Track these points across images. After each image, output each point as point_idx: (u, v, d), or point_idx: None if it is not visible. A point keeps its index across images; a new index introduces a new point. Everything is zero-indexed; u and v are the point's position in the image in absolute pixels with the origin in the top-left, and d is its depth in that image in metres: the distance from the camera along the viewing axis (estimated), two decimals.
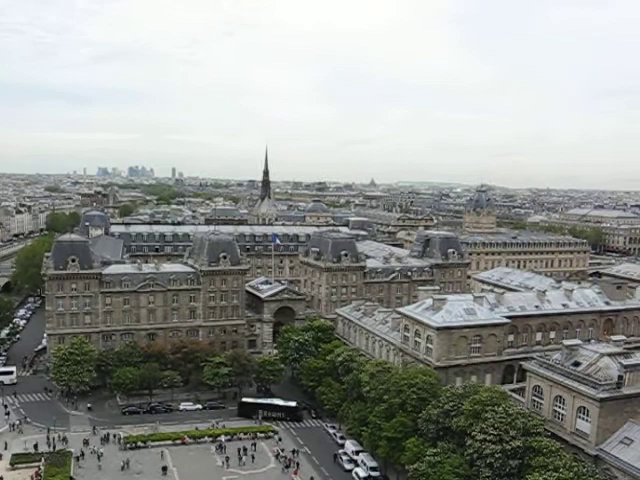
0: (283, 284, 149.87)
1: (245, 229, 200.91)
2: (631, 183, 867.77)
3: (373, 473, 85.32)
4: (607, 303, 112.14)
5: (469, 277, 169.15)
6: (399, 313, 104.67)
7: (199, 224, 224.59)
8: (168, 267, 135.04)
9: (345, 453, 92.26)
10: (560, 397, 71.57)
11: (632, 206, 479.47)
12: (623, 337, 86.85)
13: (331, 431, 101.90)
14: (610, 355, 72.23)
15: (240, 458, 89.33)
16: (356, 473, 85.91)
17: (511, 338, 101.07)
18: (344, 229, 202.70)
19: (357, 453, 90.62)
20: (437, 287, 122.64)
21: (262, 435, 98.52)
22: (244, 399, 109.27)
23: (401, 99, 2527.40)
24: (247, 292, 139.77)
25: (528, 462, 64.64)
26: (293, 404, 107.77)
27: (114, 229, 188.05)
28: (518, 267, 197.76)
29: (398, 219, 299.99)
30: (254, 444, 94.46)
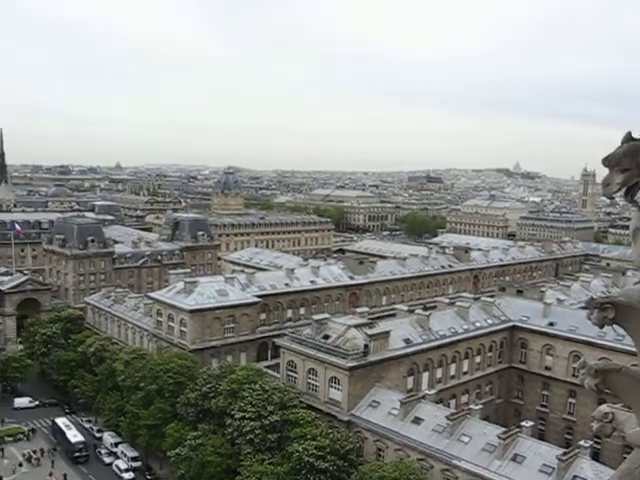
0: (26, 274, 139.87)
1: None
2: (368, 165, 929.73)
3: (134, 463, 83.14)
4: (351, 278, 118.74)
5: (220, 259, 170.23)
6: (151, 298, 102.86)
7: None
8: None
9: (104, 446, 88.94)
10: (313, 369, 74.72)
11: (370, 186, 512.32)
12: (367, 309, 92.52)
13: (87, 425, 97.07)
14: (356, 326, 76.56)
15: None
16: (117, 466, 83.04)
17: (263, 316, 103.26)
18: (90, 214, 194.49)
19: (116, 445, 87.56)
20: (188, 270, 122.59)
21: (10, 439, 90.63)
22: None
23: (139, 79, 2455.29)
24: None
25: (287, 434, 66.81)
26: None
27: None
28: (267, 247, 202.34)
29: (146, 202, 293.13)
30: (1, 449, 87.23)
